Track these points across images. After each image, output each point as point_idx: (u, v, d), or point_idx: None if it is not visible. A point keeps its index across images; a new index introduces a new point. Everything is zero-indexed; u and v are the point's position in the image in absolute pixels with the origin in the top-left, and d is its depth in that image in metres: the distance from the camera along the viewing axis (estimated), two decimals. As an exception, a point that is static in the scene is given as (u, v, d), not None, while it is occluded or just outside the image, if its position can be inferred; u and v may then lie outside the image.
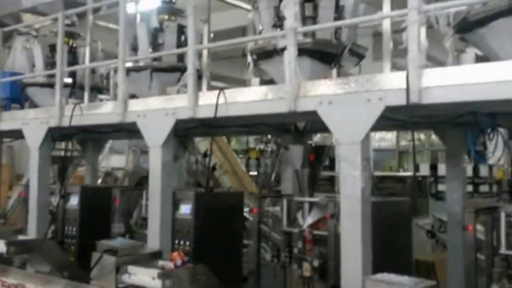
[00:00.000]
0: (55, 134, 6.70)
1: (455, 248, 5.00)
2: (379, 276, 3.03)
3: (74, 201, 7.00)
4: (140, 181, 9.76)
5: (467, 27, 3.88)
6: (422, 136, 16.69)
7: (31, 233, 6.44)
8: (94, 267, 4.27)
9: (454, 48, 4.22)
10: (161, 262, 4.19)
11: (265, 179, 12.79)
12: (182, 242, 5.62)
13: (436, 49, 4.41)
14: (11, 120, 7.19)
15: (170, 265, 4.09)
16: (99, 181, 10.04)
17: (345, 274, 3.93)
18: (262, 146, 14.30)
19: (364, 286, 2.99)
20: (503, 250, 3.93)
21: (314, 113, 4.26)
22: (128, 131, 6.60)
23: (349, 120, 4.06)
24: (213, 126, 5.19)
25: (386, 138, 19.32)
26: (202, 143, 10.13)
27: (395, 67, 4.48)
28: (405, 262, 5.01)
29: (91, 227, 6.62)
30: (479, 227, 4.53)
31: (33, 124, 6.76)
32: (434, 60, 4.21)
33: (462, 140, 5.33)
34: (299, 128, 6.34)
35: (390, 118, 4.31)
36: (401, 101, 3.76)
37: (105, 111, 6.09)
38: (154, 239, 5.35)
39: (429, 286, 2.91)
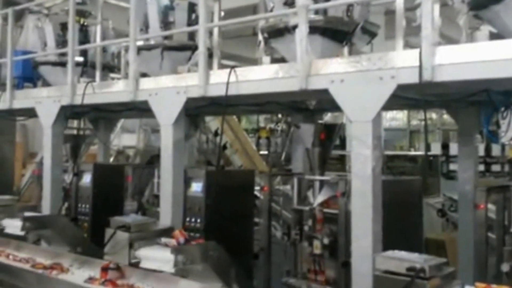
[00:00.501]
0: (67, 113, 6.76)
1: (466, 226, 5.00)
2: (390, 253, 3.05)
3: (87, 178, 7.10)
4: (151, 159, 9.82)
5: (481, 4, 3.83)
6: (434, 115, 16.59)
7: (45, 210, 6.54)
8: (107, 243, 4.35)
9: (468, 25, 4.17)
10: (163, 240, 4.23)
11: (276, 158, 12.83)
12: (193, 220, 5.69)
13: (450, 28, 4.37)
14: (24, 98, 7.25)
15: (173, 242, 4.13)
16: (111, 159, 10.13)
17: (355, 251, 3.98)
18: (272, 125, 14.31)
19: (375, 263, 3.01)
20: (514, 229, 3.93)
21: (325, 92, 4.25)
22: (139, 109, 6.62)
23: (361, 99, 4.05)
24: (224, 105, 5.19)
25: (397, 118, 19.24)
26: (213, 122, 10.16)
27: (407, 45, 4.45)
28: (416, 240, 5.02)
29: (104, 204, 6.72)
30: (490, 206, 4.53)
31: (46, 102, 6.81)
32: (447, 39, 4.17)
33: (475, 119, 5.29)
34: (310, 107, 6.33)
35: (402, 97, 4.30)
36: (413, 79, 3.74)
37: (116, 90, 6.13)
38: (166, 216, 5.42)
39: (439, 263, 2.92)
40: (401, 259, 2.90)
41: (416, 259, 2.89)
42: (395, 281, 2.81)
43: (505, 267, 3.78)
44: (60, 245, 5.09)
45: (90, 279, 4.16)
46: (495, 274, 4.16)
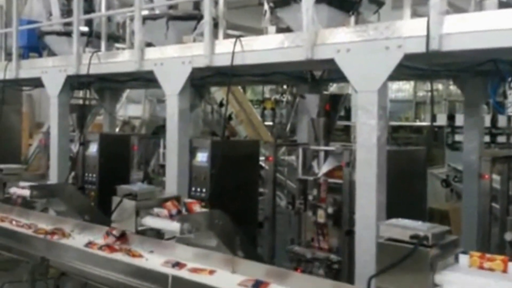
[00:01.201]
0: (73, 83, 6.77)
1: (470, 196, 5.04)
2: (393, 221, 3.07)
3: (93, 148, 7.16)
4: (157, 130, 9.85)
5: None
6: (440, 86, 16.47)
7: (53, 179, 6.62)
8: (114, 211, 4.40)
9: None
10: (156, 210, 4.28)
11: (281, 129, 12.84)
12: (198, 189, 5.75)
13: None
14: (30, 68, 7.26)
15: (164, 213, 4.18)
16: (117, 129, 10.17)
17: (359, 220, 4.03)
18: (277, 96, 14.28)
19: (378, 230, 3.04)
20: (518, 198, 3.96)
21: (331, 62, 4.23)
22: (144, 80, 6.63)
23: (367, 68, 4.04)
24: (229, 75, 5.18)
25: (403, 89, 19.11)
26: (218, 93, 10.15)
27: (415, 14, 4.40)
28: (419, 210, 5.07)
29: (111, 174, 6.80)
30: (494, 176, 4.55)
31: (51, 72, 6.82)
32: (455, 7, 4.12)
33: (481, 89, 5.27)
34: (315, 77, 6.31)
35: (408, 67, 4.28)
36: (420, 48, 3.72)
37: (122, 60, 6.13)
38: (171, 185, 5.49)
39: (442, 231, 2.94)
40: (405, 227, 2.92)
41: (419, 227, 2.91)
42: (398, 248, 2.83)
43: (508, 236, 3.82)
44: (68, 213, 5.15)
45: (90, 244, 4.24)
46: (498, 244, 4.21)
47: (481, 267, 2.76)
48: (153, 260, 3.77)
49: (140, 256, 3.87)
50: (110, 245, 4.10)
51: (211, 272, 3.50)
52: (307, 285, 3.15)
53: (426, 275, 2.78)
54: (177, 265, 3.61)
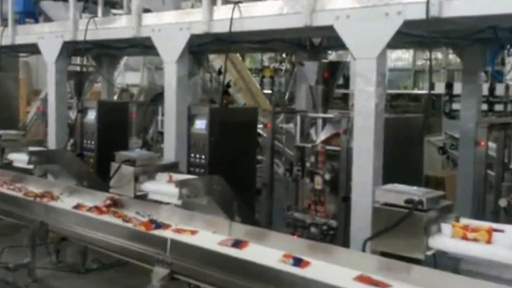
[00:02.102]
0: (70, 49, 6.72)
1: (466, 163, 5.08)
2: (389, 186, 3.12)
3: (91, 115, 7.15)
4: (155, 98, 9.83)
5: None
6: (439, 55, 16.39)
7: (51, 145, 6.64)
8: (113, 177, 4.43)
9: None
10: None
11: (279, 97, 12.82)
12: (197, 156, 5.77)
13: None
14: (26, 34, 7.19)
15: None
16: (115, 97, 10.15)
17: (356, 186, 4.07)
18: (276, 65, 14.20)
19: (374, 195, 3.09)
20: (513, 165, 4.00)
21: (330, 28, 4.20)
22: (142, 46, 6.58)
23: (366, 35, 4.02)
24: (228, 42, 5.15)
25: (403, 58, 19.02)
26: (216, 61, 10.08)
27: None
28: (415, 177, 5.11)
29: (109, 141, 6.81)
30: (491, 144, 4.58)
31: (48, 38, 6.76)
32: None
33: (480, 57, 5.26)
34: (314, 45, 6.27)
35: (408, 34, 4.25)
36: (420, 14, 3.70)
37: (119, 26, 6.06)
38: (170, 152, 5.51)
39: (437, 196, 3.00)
40: (400, 192, 2.96)
41: (414, 192, 2.96)
42: (393, 212, 2.89)
43: (502, 202, 3.87)
44: (67, 179, 5.20)
45: (78, 206, 4.36)
46: (492, 210, 4.27)
47: (464, 238, 2.77)
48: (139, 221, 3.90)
49: (126, 217, 4.00)
50: (98, 207, 4.24)
51: (193, 233, 3.65)
52: (283, 244, 3.27)
53: (420, 238, 2.84)
54: (162, 226, 3.75)
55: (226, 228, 3.61)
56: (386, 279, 2.76)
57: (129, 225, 3.84)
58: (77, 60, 8.17)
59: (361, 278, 2.78)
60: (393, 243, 2.91)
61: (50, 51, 6.76)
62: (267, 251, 3.24)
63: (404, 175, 3.91)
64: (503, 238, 2.70)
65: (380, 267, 2.86)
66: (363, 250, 3.07)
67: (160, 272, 3.23)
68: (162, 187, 4.23)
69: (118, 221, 3.95)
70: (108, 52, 7.97)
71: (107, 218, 4.03)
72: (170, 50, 5.44)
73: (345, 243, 4.22)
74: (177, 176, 4.27)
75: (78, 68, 7.82)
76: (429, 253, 2.87)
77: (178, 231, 3.68)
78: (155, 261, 3.30)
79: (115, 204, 4.31)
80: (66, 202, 4.55)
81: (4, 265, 5.13)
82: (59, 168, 5.29)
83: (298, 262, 3.01)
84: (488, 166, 4.57)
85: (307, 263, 3.02)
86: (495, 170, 4.50)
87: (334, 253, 3.11)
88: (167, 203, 4.15)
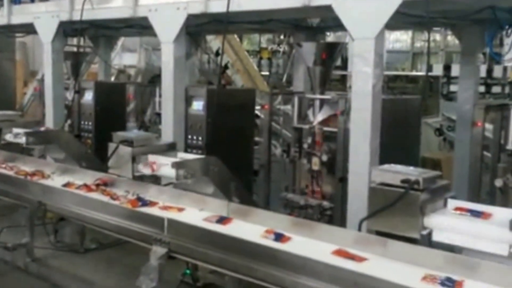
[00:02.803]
0: (67, 29, 6.67)
1: (463, 144, 5.09)
2: (385, 166, 3.13)
3: (88, 96, 7.13)
4: (152, 80, 9.80)
5: None
6: (437, 37, 16.33)
7: (49, 126, 6.62)
8: (111, 157, 4.43)
9: None
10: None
11: (277, 79, 12.78)
12: (195, 137, 5.77)
13: None
14: (22, 13, 7.13)
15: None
16: (112, 78, 10.10)
17: (353, 166, 4.09)
18: (274, 47, 14.13)
19: (371, 175, 3.10)
20: (510, 146, 4.00)
21: (328, 8, 4.18)
22: (139, 27, 6.54)
23: (364, 15, 4.00)
24: (225, 22, 5.11)
25: (401, 40, 18.95)
26: (214, 42, 10.03)
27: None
28: (412, 158, 5.13)
29: (107, 122, 6.79)
30: (487, 125, 4.58)
31: (44, 17, 6.71)
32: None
33: (478, 38, 5.24)
34: (312, 25, 6.23)
35: (406, 14, 4.23)
36: (419, -6, 3.67)
37: (115, 5, 6.02)
38: (167, 133, 5.51)
39: (433, 176, 3.01)
40: (396, 172, 2.98)
41: (411, 172, 2.97)
42: (390, 192, 2.90)
43: (498, 182, 3.89)
44: (65, 160, 5.20)
45: (68, 184, 4.41)
46: (488, 191, 4.29)
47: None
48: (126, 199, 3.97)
49: (114, 195, 4.06)
50: (87, 185, 4.30)
51: (180, 210, 3.73)
52: (267, 220, 3.37)
53: (416, 218, 2.86)
54: (149, 203, 3.84)
55: (213, 205, 3.70)
56: (362, 253, 2.87)
57: (116, 202, 3.90)
58: (74, 40, 8.11)
59: (338, 252, 2.89)
60: (389, 222, 2.93)
61: (46, 31, 6.72)
62: (250, 228, 3.34)
63: (401, 157, 3.93)
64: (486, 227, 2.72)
65: (358, 241, 2.95)
66: (359, 229, 3.09)
67: (158, 251, 3.25)
68: (159, 169, 4.23)
69: (108, 199, 4.00)
70: (104, 33, 7.92)
71: (96, 195, 4.10)
72: (167, 30, 5.41)
73: (342, 223, 4.25)
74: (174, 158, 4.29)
75: (74, 49, 7.76)
76: (425, 232, 2.89)
77: (165, 208, 3.75)
78: (153, 240, 3.32)
79: (105, 183, 4.37)
80: (56, 181, 4.60)
81: (2, 245, 5.17)
82: (58, 148, 5.27)
83: (279, 237, 3.12)
84: (484, 148, 4.58)
85: (288, 238, 3.12)
86: (491, 151, 4.51)
87: (315, 229, 3.18)
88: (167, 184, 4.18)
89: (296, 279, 2.68)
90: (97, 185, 4.33)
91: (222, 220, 3.47)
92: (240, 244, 2.98)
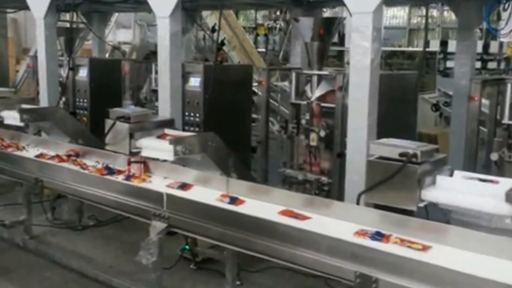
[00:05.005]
0: (59, 4, 6.57)
1: (459, 119, 5.11)
2: (383, 140, 3.14)
3: (83, 73, 7.06)
4: (147, 56, 9.72)
5: None
6: (434, 13, 16.26)
7: (43, 103, 6.58)
8: (108, 133, 4.41)
9: None
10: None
11: (273, 56, 12.71)
12: (192, 114, 5.76)
13: None
14: (14, -12, 7.02)
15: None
16: (107, 55, 10.01)
17: (350, 141, 4.10)
18: (270, 23, 14.03)
19: (369, 149, 3.11)
20: (506, 120, 4.01)
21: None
22: (133, 2, 6.47)
23: (362, -12, 3.96)
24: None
25: (398, 16, 18.85)
26: (210, 18, 9.93)
27: None
28: (409, 133, 5.12)
29: (102, 99, 6.72)
30: (484, 101, 4.59)
31: (36, -8, 6.60)
32: None
33: (476, 13, 5.23)
34: (310, 0, 6.18)
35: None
36: (417, -33, 3.64)
37: (110, -21, 5.93)
38: (165, 110, 5.49)
39: (431, 149, 3.02)
40: (394, 145, 2.99)
41: (408, 145, 2.98)
42: (387, 165, 2.92)
43: (494, 156, 3.91)
44: (61, 137, 5.16)
45: (40, 155, 4.55)
46: (484, 164, 4.32)
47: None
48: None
49: (84, 165, 4.22)
50: (59, 156, 4.46)
51: (144, 179, 3.88)
52: (224, 185, 3.55)
53: (414, 191, 2.88)
54: (115, 172, 4.02)
55: (178, 173, 3.87)
56: (307, 212, 3.07)
57: (85, 171, 4.05)
58: (66, 16, 8.00)
59: (285, 212, 3.10)
60: (387, 195, 2.95)
61: (38, 6, 6.60)
62: (209, 192, 3.52)
63: (398, 132, 3.93)
64: (494, 189, 2.75)
65: (305, 203, 3.16)
66: (357, 203, 3.11)
67: (158, 225, 3.27)
68: (157, 144, 4.22)
69: (77, 168, 4.16)
70: (98, 8, 7.82)
71: (67, 165, 4.24)
72: (163, 4, 5.34)
73: (340, 198, 4.28)
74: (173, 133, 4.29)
75: (67, 25, 7.66)
76: (422, 205, 2.91)
77: (131, 176, 3.91)
78: (152, 215, 3.33)
79: (77, 154, 4.49)
80: (30, 152, 4.73)
81: (0, 222, 5.18)
82: (53, 125, 5.23)
83: (233, 200, 3.34)
84: (480, 123, 4.59)
85: (241, 201, 3.33)
86: (487, 126, 4.52)
87: (268, 193, 3.37)
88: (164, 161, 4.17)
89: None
90: (69, 155, 4.46)
91: (183, 186, 3.67)
92: (240, 217, 3.00)
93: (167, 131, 4.42)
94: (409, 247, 2.54)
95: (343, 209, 3.04)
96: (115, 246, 5.12)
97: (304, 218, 3.01)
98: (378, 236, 2.69)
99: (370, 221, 2.83)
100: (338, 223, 2.94)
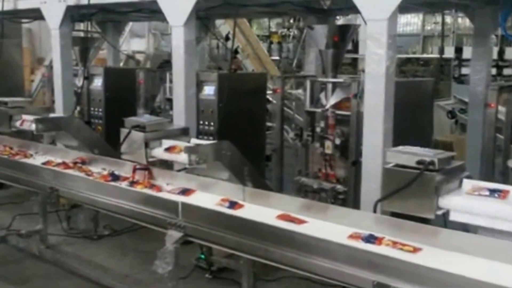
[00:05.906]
0: (74, 14, 6.64)
1: (475, 126, 5.05)
2: (400, 148, 3.11)
3: (98, 82, 7.11)
4: (161, 65, 9.77)
5: None
6: (448, 19, 16.17)
7: (58, 113, 6.61)
8: (123, 142, 4.42)
9: None
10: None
11: (287, 64, 12.71)
12: (206, 123, 5.77)
13: None
14: (29, -1, 7.09)
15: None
16: (121, 64, 10.09)
17: (366, 148, 4.07)
18: (284, 31, 14.05)
19: (385, 157, 3.08)
20: (523, 127, 3.97)
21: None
22: (148, 11, 6.51)
23: (377, -4, 3.95)
24: (235, 5, 5.08)
25: (412, 23, 18.78)
26: (223, 27, 9.98)
27: None
28: (425, 141, 5.09)
29: (117, 108, 6.78)
30: (500, 108, 4.54)
31: (51, 2, 6.64)
32: None
33: (491, 19, 5.19)
34: (324, 8, 6.17)
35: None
36: (433, -27, 3.62)
37: (124, -11, 5.98)
38: (179, 119, 5.50)
39: (448, 156, 2.98)
40: (411, 153, 2.95)
41: (425, 153, 2.94)
42: (404, 173, 2.88)
43: (511, 163, 3.85)
44: (78, 147, 5.18)
45: (47, 162, 4.63)
46: (501, 171, 4.26)
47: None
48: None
49: (89, 171, 4.30)
50: (65, 163, 4.53)
51: (148, 184, 3.97)
52: (225, 191, 3.61)
53: (431, 199, 2.84)
54: (120, 178, 4.10)
55: (179, 179, 3.95)
56: (304, 217, 3.15)
57: (91, 178, 4.14)
58: (81, 26, 8.08)
59: (282, 216, 3.18)
60: (404, 203, 2.90)
61: (53, 16, 6.66)
62: (210, 197, 3.59)
63: (414, 139, 3.90)
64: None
65: (302, 207, 3.24)
66: (374, 211, 3.08)
67: (174, 235, 3.26)
68: (172, 153, 4.21)
69: (83, 174, 4.24)
70: (112, 18, 7.89)
71: (82, 174, 4.27)
72: (177, 13, 5.37)
73: (355, 206, 4.24)
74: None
75: (82, 34, 7.72)
76: (439, 212, 2.87)
77: (134, 182, 3.98)
78: (168, 224, 3.33)
79: (83, 161, 4.56)
80: (37, 159, 4.81)
81: (16, 232, 5.22)
82: (69, 135, 5.26)
83: (232, 205, 3.42)
84: (497, 130, 4.54)
85: (240, 206, 3.41)
86: (504, 133, 4.47)
87: (269, 198, 3.45)
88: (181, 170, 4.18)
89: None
90: (75, 163, 4.52)
91: (185, 191, 3.74)
92: (256, 226, 2.98)
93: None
94: (401, 249, 2.65)
95: (339, 213, 3.13)
96: (131, 255, 5.13)
97: (300, 222, 3.08)
98: (372, 238, 2.78)
99: (366, 225, 2.92)
100: (334, 227, 3.01)
